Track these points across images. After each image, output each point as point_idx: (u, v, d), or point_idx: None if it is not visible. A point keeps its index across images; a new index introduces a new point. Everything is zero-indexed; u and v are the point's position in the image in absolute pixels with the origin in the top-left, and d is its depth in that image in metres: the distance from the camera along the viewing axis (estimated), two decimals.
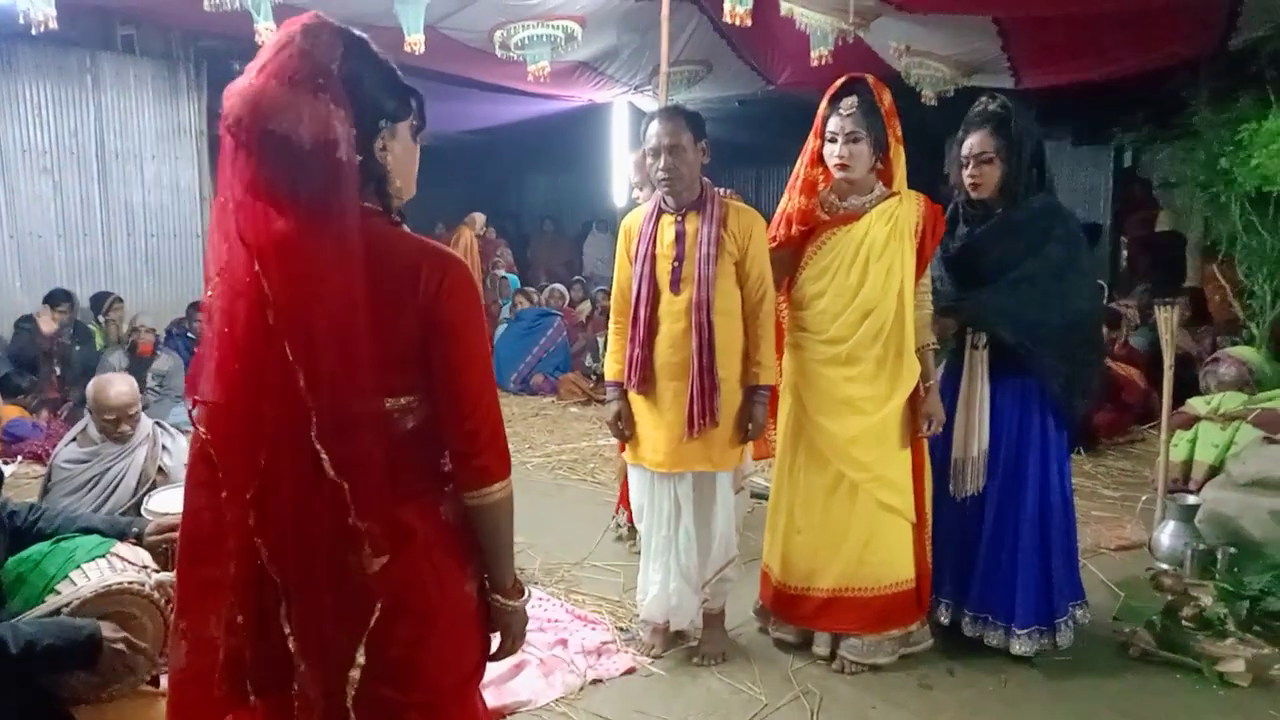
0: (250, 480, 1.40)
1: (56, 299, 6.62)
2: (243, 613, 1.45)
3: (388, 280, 1.43)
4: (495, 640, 1.68)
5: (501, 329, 8.60)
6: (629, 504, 3.59)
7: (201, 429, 1.44)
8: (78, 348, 6.50)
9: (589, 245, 12.87)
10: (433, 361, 1.46)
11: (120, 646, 2.11)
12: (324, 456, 1.36)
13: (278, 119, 1.31)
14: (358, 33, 1.45)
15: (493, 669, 2.93)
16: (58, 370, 6.36)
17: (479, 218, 10.49)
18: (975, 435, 3.12)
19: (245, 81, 1.36)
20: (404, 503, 1.49)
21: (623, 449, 3.27)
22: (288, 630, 1.43)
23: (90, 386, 3.55)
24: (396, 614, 1.46)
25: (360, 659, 1.44)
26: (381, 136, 1.44)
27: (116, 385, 3.49)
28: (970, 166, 3.08)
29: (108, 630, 2.10)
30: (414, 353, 1.46)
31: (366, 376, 1.39)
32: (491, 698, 2.83)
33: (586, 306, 9.41)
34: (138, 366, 6.21)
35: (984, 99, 3.13)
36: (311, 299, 1.36)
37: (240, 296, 1.38)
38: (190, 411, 1.46)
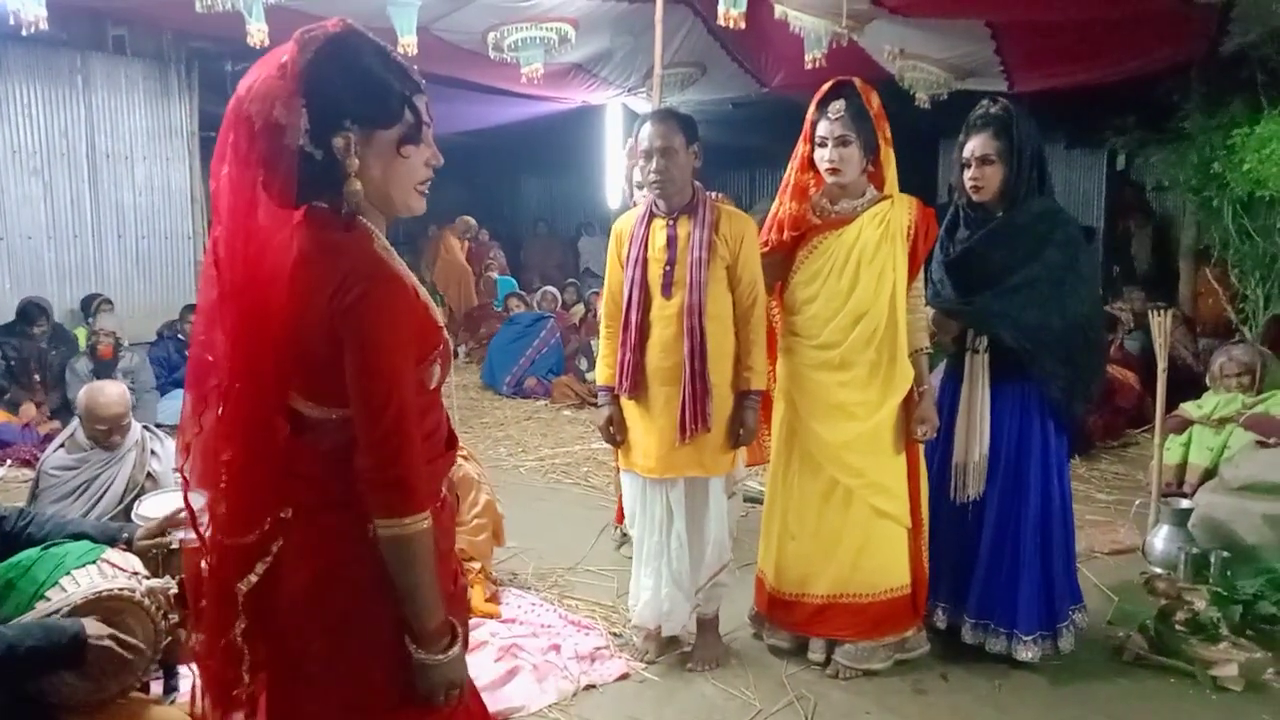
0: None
1: (32, 316, 6.46)
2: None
3: (311, 282, 1.44)
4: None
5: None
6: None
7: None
8: (54, 352, 6.46)
9: (582, 247, 12.88)
10: (347, 374, 1.43)
11: (107, 643, 2.09)
12: (223, 460, 1.46)
13: (244, 98, 1.40)
14: (357, 35, 1.46)
15: (485, 675, 2.94)
16: (37, 377, 6.33)
17: (468, 221, 10.42)
18: (976, 440, 3.11)
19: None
20: (330, 510, 1.50)
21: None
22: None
23: (82, 395, 3.53)
24: (314, 621, 1.51)
25: (241, 623, 1.51)
26: (344, 136, 1.43)
27: (110, 396, 3.47)
28: (971, 169, 3.08)
29: (92, 628, 2.08)
30: (333, 363, 1.43)
31: (271, 361, 1.45)
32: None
33: (580, 309, 9.39)
34: (103, 369, 6.16)
35: (985, 102, 3.12)
36: (250, 270, 1.43)
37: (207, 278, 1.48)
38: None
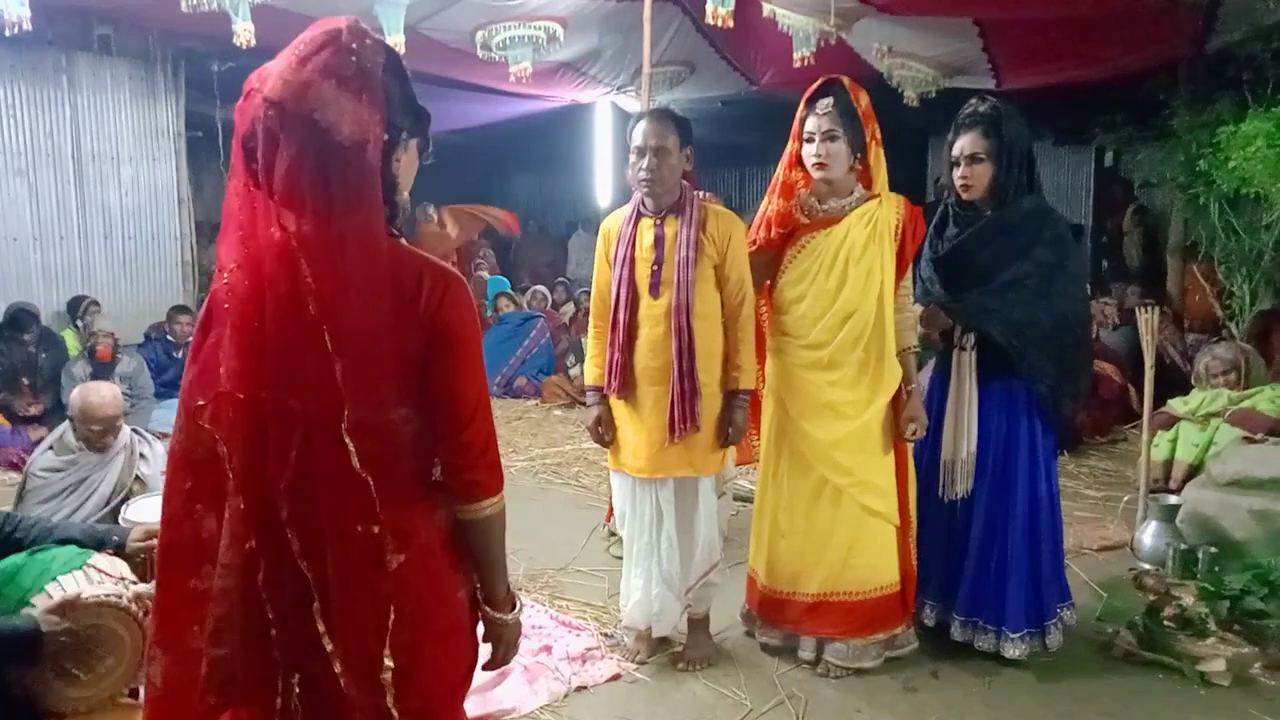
0: (281, 472, 1.40)
1: (23, 323, 6.39)
2: (235, 620, 1.43)
3: (395, 290, 1.43)
4: (485, 650, 1.67)
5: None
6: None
7: (206, 424, 1.42)
8: (43, 356, 6.41)
9: (573, 246, 12.84)
10: (431, 374, 1.47)
11: (64, 638, 2.08)
12: (352, 449, 1.38)
13: (324, 111, 1.34)
14: (392, 46, 1.48)
15: (477, 677, 2.93)
16: (26, 381, 6.29)
17: (425, 210, 10.21)
18: (964, 437, 3.12)
19: (284, 66, 1.37)
20: (403, 509, 1.49)
21: None
22: (322, 629, 1.43)
23: (75, 396, 3.51)
24: (394, 620, 1.47)
25: (389, 661, 1.45)
26: (400, 148, 1.47)
27: (104, 397, 3.45)
28: (961, 167, 3.08)
29: (47, 624, 2.07)
30: (412, 365, 1.46)
31: (387, 379, 1.42)
32: (475, 706, 2.80)
33: (570, 308, 9.37)
34: (100, 372, 6.10)
35: (975, 100, 3.12)
36: (341, 295, 1.37)
37: (267, 287, 1.37)
38: (200, 407, 1.43)
